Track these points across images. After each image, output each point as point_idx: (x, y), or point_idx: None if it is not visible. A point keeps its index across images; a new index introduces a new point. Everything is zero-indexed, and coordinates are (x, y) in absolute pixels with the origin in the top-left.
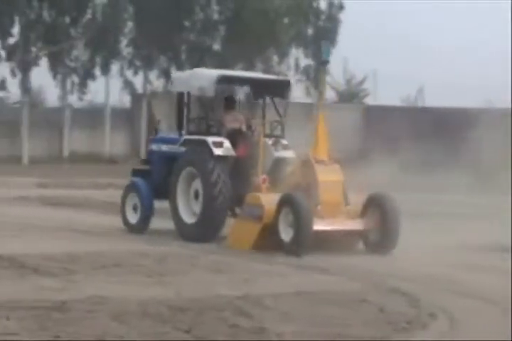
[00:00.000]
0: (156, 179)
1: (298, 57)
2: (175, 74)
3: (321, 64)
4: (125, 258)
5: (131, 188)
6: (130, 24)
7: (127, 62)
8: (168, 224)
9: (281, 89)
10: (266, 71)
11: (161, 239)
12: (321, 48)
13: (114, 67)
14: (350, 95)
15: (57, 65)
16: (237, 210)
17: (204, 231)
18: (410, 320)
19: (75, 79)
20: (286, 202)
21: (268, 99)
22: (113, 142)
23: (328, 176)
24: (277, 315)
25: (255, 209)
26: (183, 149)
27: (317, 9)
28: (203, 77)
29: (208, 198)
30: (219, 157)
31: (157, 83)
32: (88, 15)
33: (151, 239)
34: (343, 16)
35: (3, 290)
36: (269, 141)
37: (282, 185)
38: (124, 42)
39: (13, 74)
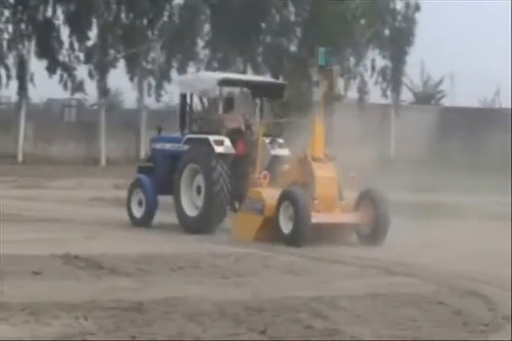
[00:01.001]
0: (159, 175)
1: (374, 58)
2: (180, 77)
3: (318, 69)
4: (201, 259)
5: (136, 184)
6: (207, 26)
7: (204, 64)
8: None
9: (277, 91)
10: (342, 73)
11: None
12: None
13: (191, 69)
14: (427, 96)
15: (134, 67)
16: (236, 205)
17: (205, 223)
18: (487, 322)
19: (152, 81)
20: (286, 196)
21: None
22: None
23: (324, 173)
24: (352, 317)
25: (257, 204)
26: (185, 147)
27: (393, 10)
28: (205, 80)
29: (210, 193)
30: (220, 154)
31: None
32: (165, 18)
33: (225, 240)
34: (419, 17)
35: (80, 291)
36: (267, 140)
37: (280, 180)
38: (200, 44)
39: (91, 76)
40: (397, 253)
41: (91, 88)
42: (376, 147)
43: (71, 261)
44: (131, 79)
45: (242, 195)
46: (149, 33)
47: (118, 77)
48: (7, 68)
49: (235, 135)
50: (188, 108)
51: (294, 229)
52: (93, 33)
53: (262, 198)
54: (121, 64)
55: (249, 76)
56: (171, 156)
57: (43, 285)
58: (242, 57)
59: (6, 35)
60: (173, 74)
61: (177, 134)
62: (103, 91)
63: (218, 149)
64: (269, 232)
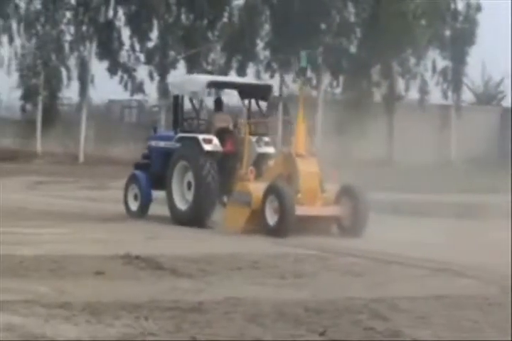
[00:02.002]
0: (154, 171)
1: (435, 58)
2: (172, 79)
3: (299, 70)
4: (261, 259)
5: (132, 180)
6: (267, 27)
7: (263, 65)
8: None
9: (263, 92)
10: (402, 73)
11: (297, 242)
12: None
13: (251, 70)
14: (488, 97)
15: (194, 68)
16: (225, 199)
17: (195, 217)
18: None
19: None
20: (272, 190)
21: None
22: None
23: (307, 167)
24: (413, 319)
25: (244, 197)
26: (177, 145)
27: (454, 10)
28: (195, 82)
29: (199, 188)
30: (208, 152)
31: (293, 86)
32: (225, 19)
33: (287, 241)
34: (480, 17)
35: (141, 291)
36: (253, 139)
37: (266, 175)
38: (260, 45)
39: (151, 77)
40: (463, 255)
41: (151, 89)
42: (436, 148)
43: (132, 261)
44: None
45: (231, 189)
46: (209, 33)
47: (247, 77)
48: (68, 69)
49: (223, 134)
50: (179, 108)
51: (279, 221)
52: (154, 34)
53: (249, 192)
54: (182, 65)
55: (237, 78)
56: (164, 153)
57: (105, 285)
58: None
59: (67, 37)
60: (233, 75)
61: (171, 132)
62: (163, 92)
63: (207, 147)
64: (256, 224)
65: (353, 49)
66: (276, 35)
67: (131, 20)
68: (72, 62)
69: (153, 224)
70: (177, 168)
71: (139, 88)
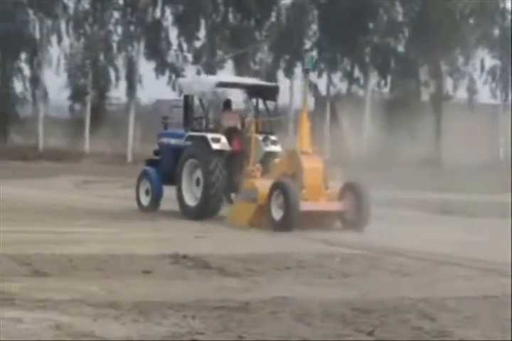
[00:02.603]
0: (164, 168)
1: (483, 58)
2: (181, 79)
3: (303, 72)
4: (308, 259)
5: (144, 175)
6: (314, 27)
7: None
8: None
9: (270, 93)
10: (451, 72)
11: (342, 241)
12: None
13: (298, 70)
14: None
15: (241, 68)
16: (232, 196)
17: (203, 212)
18: None
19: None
20: (277, 186)
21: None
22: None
23: (311, 164)
24: (461, 319)
25: (251, 193)
26: (187, 143)
27: (503, 9)
28: (203, 83)
29: (207, 185)
30: (216, 151)
31: (341, 85)
32: (272, 18)
33: (332, 240)
34: None
35: (188, 290)
36: (260, 137)
37: (272, 172)
38: (308, 44)
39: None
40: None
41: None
42: (485, 147)
43: (180, 260)
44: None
45: (238, 186)
46: (257, 33)
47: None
48: (116, 69)
49: (231, 133)
50: (189, 108)
51: (284, 216)
52: (201, 34)
53: (255, 188)
54: (229, 65)
55: (245, 79)
56: (175, 150)
57: (153, 284)
58: (349, 57)
59: (115, 37)
60: (280, 74)
61: (181, 130)
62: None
63: (215, 146)
64: (262, 219)
65: (400, 48)
66: (324, 35)
67: (179, 20)
68: (120, 62)
69: (200, 223)
70: (186, 166)
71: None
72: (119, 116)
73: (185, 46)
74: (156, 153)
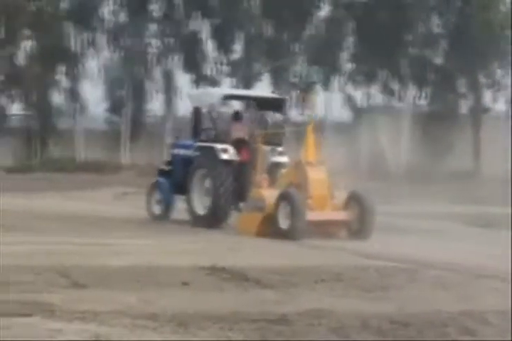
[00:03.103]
0: (175, 178)
1: None
2: (190, 92)
3: (308, 85)
4: (344, 271)
5: (155, 185)
6: (351, 39)
7: (348, 77)
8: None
9: (277, 105)
10: (489, 85)
11: (378, 254)
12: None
13: (335, 83)
14: None
15: (278, 81)
16: (240, 205)
17: (212, 221)
18: None
19: (296, 94)
20: (284, 196)
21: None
22: (333, 156)
23: (317, 175)
24: (501, 333)
25: (258, 202)
26: (196, 154)
27: None
28: (212, 95)
29: (216, 195)
30: (225, 161)
31: (378, 98)
32: (309, 31)
33: (371, 253)
34: None
35: (226, 303)
36: (267, 148)
37: (279, 182)
38: (345, 57)
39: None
40: None
41: (235, 101)
42: None
43: (217, 272)
44: (276, 92)
45: (246, 196)
46: (294, 46)
47: (262, 91)
48: (154, 82)
49: (239, 143)
50: (198, 119)
51: (291, 225)
52: (238, 47)
53: (262, 198)
54: (266, 77)
55: (252, 91)
56: (185, 161)
57: (190, 296)
58: (386, 69)
59: (153, 50)
60: (317, 87)
61: (191, 141)
62: (247, 104)
63: (223, 156)
64: (269, 227)
65: (438, 60)
66: (361, 47)
67: (216, 33)
68: (157, 74)
69: (234, 235)
70: (196, 176)
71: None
72: (156, 128)
73: (222, 59)
74: (167, 163)
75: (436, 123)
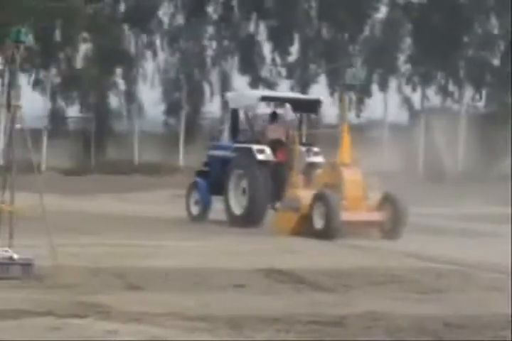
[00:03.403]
0: (213, 179)
1: None
2: (228, 94)
3: (346, 87)
4: (401, 274)
5: (193, 186)
6: (408, 40)
7: (405, 78)
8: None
9: (312, 106)
10: None
11: (434, 256)
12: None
13: (392, 84)
14: None
15: (335, 82)
16: (277, 204)
17: (249, 220)
18: None
19: (353, 96)
20: (319, 197)
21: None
22: (390, 159)
23: (351, 176)
24: None
25: (294, 202)
26: (233, 155)
27: None
28: (248, 97)
29: (252, 195)
30: (261, 161)
31: (435, 99)
32: (366, 32)
33: (423, 255)
34: None
35: (282, 305)
36: (303, 149)
37: (314, 183)
38: (401, 58)
39: (293, 91)
40: None
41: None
42: None
43: (272, 274)
44: (332, 94)
45: (282, 196)
46: (350, 47)
47: (319, 92)
48: (211, 84)
49: (276, 144)
50: (236, 121)
51: (325, 225)
52: (294, 49)
53: (298, 198)
54: (323, 79)
55: (287, 93)
56: (222, 162)
57: (246, 298)
58: (443, 71)
59: (209, 52)
60: (374, 89)
61: (229, 143)
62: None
63: (260, 157)
64: (304, 227)
65: (496, 62)
66: (418, 49)
67: (273, 35)
68: (214, 76)
69: (290, 238)
70: (233, 176)
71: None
72: (213, 130)
73: (278, 60)
74: (205, 164)
75: (493, 124)
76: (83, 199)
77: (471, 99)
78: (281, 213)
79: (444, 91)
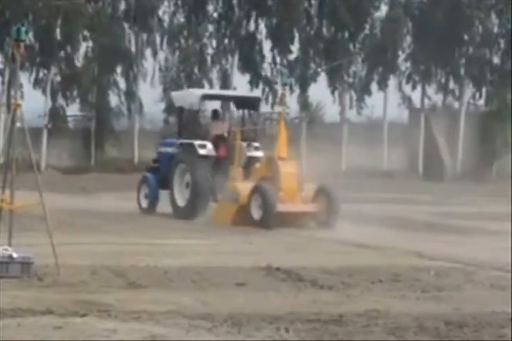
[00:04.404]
0: (161, 174)
1: None
2: (173, 92)
3: (282, 85)
4: (401, 272)
5: (143, 181)
6: (408, 38)
7: (405, 77)
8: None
9: (253, 103)
10: None
11: (437, 254)
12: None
13: (392, 83)
14: None
15: (335, 81)
16: (219, 196)
17: (191, 212)
18: None
19: (353, 94)
20: (257, 189)
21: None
22: (390, 157)
23: (288, 169)
24: None
25: (233, 194)
26: (178, 150)
27: None
28: (191, 95)
29: (194, 188)
30: (203, 156)
31: (435, 98)
32: (366, 31)
33: (426, 253)
34: None
35: (281, 303)
36: (244, 144)
37: (253, 176)
38: (401, 57)
39: (292, 90)
40: None
41: (292, 101)
42: None
43: (273, 273)
44: (333, 92)
45: (224, 188)
46: (351, 46)
47: (319, 91)
48: (211, 82)
49: (218, 140)
50: (180, 118)
51: (262, 216)
52: (295, 47)
53: (237, 190)
54: (323, 77)
55: (228, 91)
56: (169, 158)
57: (246, 296)
58: (444, 69)
59: (209, 50)
60: (374, 87)
61: (175, 139)
62: (304, 104)
63: (201, 152)
64: (243, 218)
65: (496, 60)
66: (418, 47)
67: (273, 33)
68: (214, 74)
69: (292, 236)
70: (177, 170)
71: (280, 100)
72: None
73: (278, 59)
74: (154, 161)
75: (494, 122)
76: (83, 198)
77: (472, 97)
78: (222, 204)
79: (444, 90)
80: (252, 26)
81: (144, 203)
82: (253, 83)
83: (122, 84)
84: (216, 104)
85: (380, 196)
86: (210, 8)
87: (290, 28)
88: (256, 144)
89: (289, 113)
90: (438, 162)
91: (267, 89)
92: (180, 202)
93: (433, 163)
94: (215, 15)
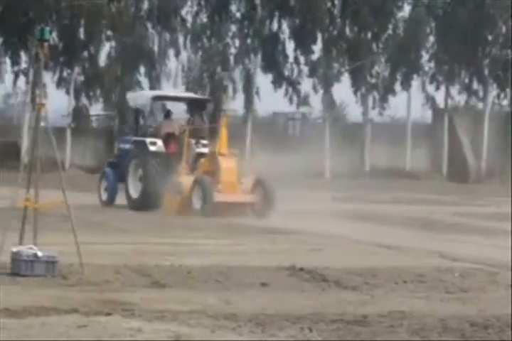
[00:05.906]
0: (120, 168)
1: None
2: (128, 93)
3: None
4: (426, 273)
5: (104, 175)
6: (431, 39)
7: (429, 77)
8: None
9: (202, 104)
10: None
11: (460, 255)
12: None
13: (415, 83)
14: None
15: (358, 81)
16: (167, 189)
17: (143, 203)
18: None
19: (376, 94)
20: (198, 182)
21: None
22: (414, 157)
23: (227, 164)
24: None
25: (178, 187)
26: (132, 147)
27: None
28: (142, 96)
29: (146, 181)
30: (153, 152)
31: (459, 98)
32: (389, 31)
33: (449, 254)
34: None
35: (305, 303)
36: (193, 141)
37: (198, 170)
38: (425, 57)
39: (315, 90)
40: None
41: (315, 101)
42: None
43: (296, 273)
44: (356, 92)
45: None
46: (374, 46)
47: (342, 91)
48: (234, 82)
49: (169, 138)
50: (135, 117)
51: (202, 206)
52: (318, 47)
53: (181, 183)
54: (346, 77)
55: (178, 92)
56: (126, 153)
57: (270, 296)
58: (467, 69)
59: (233, 50)
60: (397, 87)
61: (131, 137)
62: (328, 104)
63: (152, 148)
64: (186, 208)
65: None
66: (441, 47)
67: (296, 33)
68: (237, 74)
69: (316, 237)
70: (131, 165)
71: (303, 101)
72: (236, 128)
73: (301, 59)
74: (115, 156)
75: None
76: None
77: (496, 98)
78: (169, 196)
79: (468, 90)
80: (275, 26)
81: (104, 196)
82: (276, 83)
83: (145, 83)
84: (174, 105)
85: (404, 196)
86: (233, 8)
87: (313, 28)
88: (204, 141)
89: (312, 112)
90: (462, 162)
91: (289, 89)
92: (134, 194)
93: (457, 163)
94: (238, 15)
